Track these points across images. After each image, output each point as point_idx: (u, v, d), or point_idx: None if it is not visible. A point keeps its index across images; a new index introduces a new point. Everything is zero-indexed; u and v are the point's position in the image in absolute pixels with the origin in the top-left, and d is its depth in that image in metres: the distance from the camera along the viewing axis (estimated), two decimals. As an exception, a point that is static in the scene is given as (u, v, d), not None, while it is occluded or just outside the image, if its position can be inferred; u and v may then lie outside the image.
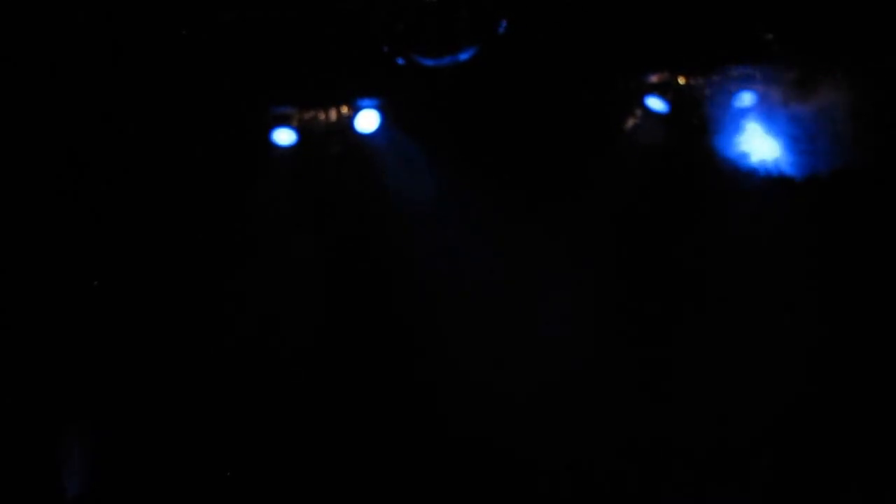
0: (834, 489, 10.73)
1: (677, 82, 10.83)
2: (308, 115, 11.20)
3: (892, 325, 10.89)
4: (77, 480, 11.10)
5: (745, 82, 10.65)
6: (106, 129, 10.91)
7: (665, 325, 11.21)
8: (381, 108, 11.09)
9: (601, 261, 11.21)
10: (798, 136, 10.76)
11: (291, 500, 11.46)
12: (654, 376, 11.18)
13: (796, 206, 10.90)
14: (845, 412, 10.80)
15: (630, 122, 11.09)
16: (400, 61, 10.06)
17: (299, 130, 11.18)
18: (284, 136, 11.17)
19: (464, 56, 9.84)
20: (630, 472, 11.10)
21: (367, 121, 11.14)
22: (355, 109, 11.12)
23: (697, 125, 10.94)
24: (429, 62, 9.92)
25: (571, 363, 11.14)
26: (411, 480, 11.39)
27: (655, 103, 10.88)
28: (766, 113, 10.78)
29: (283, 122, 11.12)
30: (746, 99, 10.72)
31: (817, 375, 10.79)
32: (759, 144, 10.87)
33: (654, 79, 10.81)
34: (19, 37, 10.02)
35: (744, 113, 10.80)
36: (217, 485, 11.42)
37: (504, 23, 9.80)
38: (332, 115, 11.23)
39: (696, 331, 11.08)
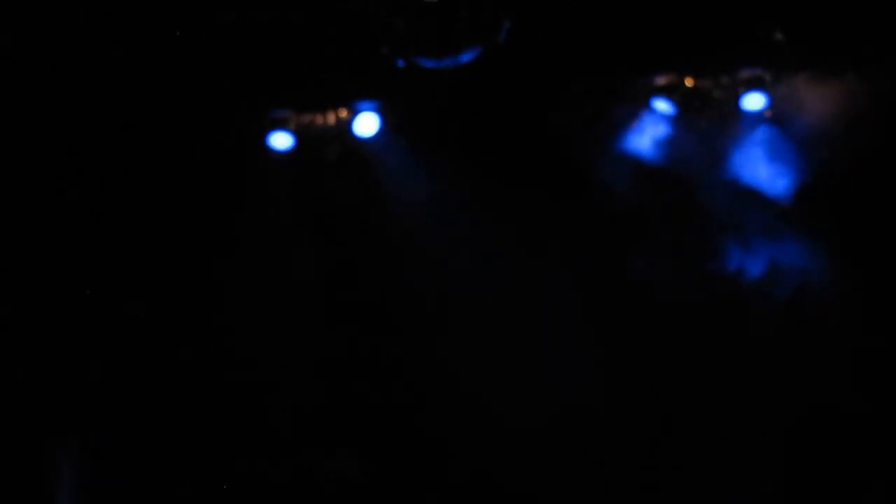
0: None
1: (684, 84, 10.75)
2: (306, 118, 11.16)
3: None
4: (67, 495, 11.03)
5: (755, 84, 10.59)
6: (101, 132, 10.85)
7: (669, 331, 11.08)
8: (380, 111, 11.04)
9: (605, 265, 11.14)
10: (809, 138, 10.72)
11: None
12: (657, 380, 11.09)
13: (807, 208, 10.84)
14: (855, 427, 10.70)
15: (636, 125, 10.98)
16: (400, 63, 9.97)
17: (297, 134, 11.13)
18: (282, 140, 11.11)
19: (465, 57, 9.76)
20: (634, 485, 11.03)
21: (367, 124, 11.08)
22: (354, 112, 11.08)
23: (705, 127, 10.88)
24: (429, 64, 9.85)
25: (572, 370, 11.06)
26: (402, 487, 11.33)
27: (662, 105, 10.80)
28: (776, 115, 10.74)
29: (281, 125, 11.06)
30: (755, 101, 10.65)
31: (827, 386, 10.70)
32: (769, 147, 10.82)
33: (660, 80, 10.74)
34: (15, 37, 9.93)
35: (752, 115, 10.74)
36: (211, 494, 11.33)
37: (506, 23, 9.69)
38: (331, 118, 11.19)
39: (702, 338, 11.00)
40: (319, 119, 11.16)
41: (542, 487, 11.06)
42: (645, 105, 10.83)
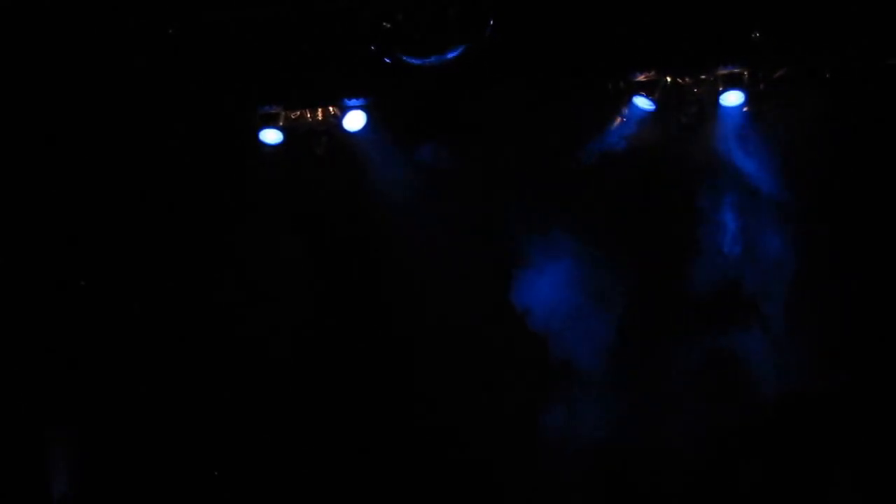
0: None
1: (665, 81, 10.81)
2: (295, 114, 11.19)
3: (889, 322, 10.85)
4: (63, 481, 11.12)
5: (733, 81, 10.62)
6: (93, 129, 10.94)
7: (652, 323, 11.18)
8: (367, 108, 11.08)
9: (588, 259, 11.20)
10: (785, 133, 10.82)
11: (279, 499, 11.48)
12: (638, 373, 11.15)
13: (784, 203, 10.93)
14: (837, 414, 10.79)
15: (617, 121, 11.09)
16: (387, 61, 10.06)
17: (286, 130, 11.17)
18: (272, 136, 11.16)
19: (451, 55, 9.83)
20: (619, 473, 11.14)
21: (354, 120, 11.13)
22: (342, 109, 11.11)
23: (685, 124, 10.95)
24: (416, 61, 9.91)
25: (558, 361, 11.18)
26: (397, 474, 11.43)
27: (643, 102, 10.86)
28: (753, 111, 10.82)
29: (271, 121, 11.11)
30: (733, 98, 10.70)
31: (810, 377, 10.77)
32: (746, 142, 10.92)
33: (641, 77, 10.78)
34: (8, 37, 10.03)
35: (731, 112, 10.81)
36: (203, 484, 11.45)
37: (491, 22, 9.79)
38: (319, 114, 11.22)
39: (684, 329, 11.06)
40: (308, 115, 11.22)
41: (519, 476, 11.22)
42: (626, 102, 10.92)
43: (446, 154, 11.27)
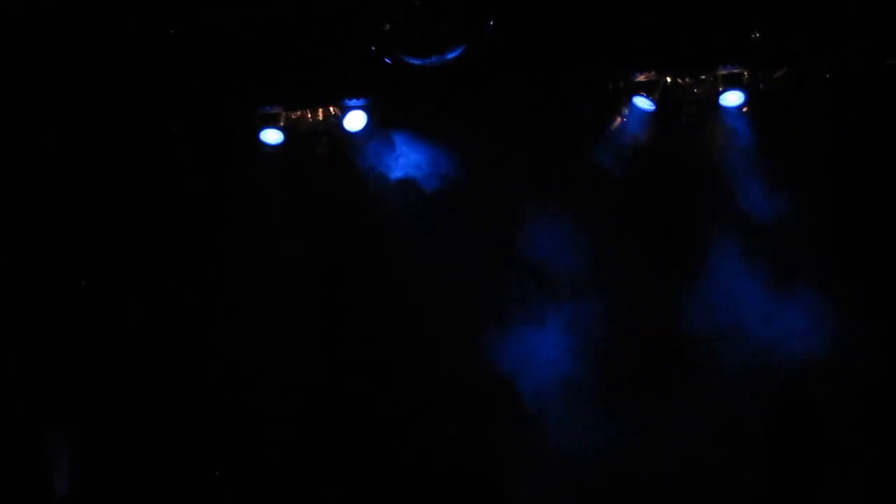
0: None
1: (665, 81, 10.82)
2: (295, 114, 11.22)
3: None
4: (65, 480, 11.14)
5: (733, 81, 10.64)
6: (93, 130, 10.96)
7: (650, 323, 11.18)
8: (368, 108, 11.11)
9: (586, 260, 11.22)
10: (783, 133, 10.83)
11: (279, 499, 11.49)
12: (636, 375, 11.15)
13: (782, 202, 10.93)
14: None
15: (617, 121, 11.10)
16: (387, 61, 10.09)
17: (287, 130, 11.20)
18: (272, 136, 11.19)
19: (451, 55, 9.86)
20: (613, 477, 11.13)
21: (355, 120, 11.15)
22: (343, 109, 11.14)
23: (685, 124, 10.97)
24: (416, 61, 9.94)
25: (554, 361, 11.20)
26: (395, 481, 11.44)
27: (643, 102, 10.87)
28: (753, 112, 10.83)
29: (271, 122, 11.14)
30: (733, 98, 10.72)
31: (808, 377, 10.78)
32: (742, 142, 10.93)
33: (641, 77, 10.80)
34: (8, 37, 10.04)
35: (731, 112, 10.82)
36: (203, 484, 11.46)
37: (491, 22, 9.81)
38: (320, 114, 11.25)
39: (683, 328, 11.05)
40: (309, 115, 11.25)
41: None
42: (626, 102, 10.93)
43: (445, 154, 11.30)
